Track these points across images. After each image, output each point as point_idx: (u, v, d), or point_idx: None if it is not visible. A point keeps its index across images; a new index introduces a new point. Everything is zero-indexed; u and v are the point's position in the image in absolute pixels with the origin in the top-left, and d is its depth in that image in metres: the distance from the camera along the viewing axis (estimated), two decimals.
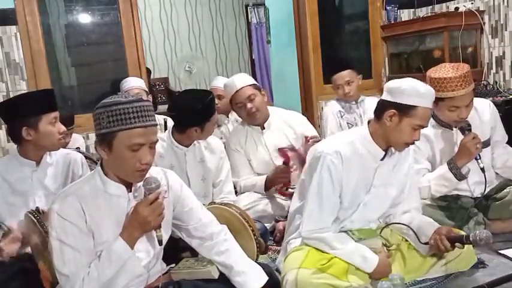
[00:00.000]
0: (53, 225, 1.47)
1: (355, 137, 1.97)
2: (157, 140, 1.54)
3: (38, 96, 2.09)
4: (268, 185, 2.71)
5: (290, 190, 2.64)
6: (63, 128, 2.05)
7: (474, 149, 2.22)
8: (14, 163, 2.06)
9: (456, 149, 2.34)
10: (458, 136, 2.35)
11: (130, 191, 1.57)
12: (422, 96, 1.85)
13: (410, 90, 1.85)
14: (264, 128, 2.83)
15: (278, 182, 2.68)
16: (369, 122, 2.00)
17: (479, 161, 2.27)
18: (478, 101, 2.42)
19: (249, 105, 2.71)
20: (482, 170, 2.27)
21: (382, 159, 1.98)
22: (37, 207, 1.87)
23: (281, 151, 2.68)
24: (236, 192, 2.74)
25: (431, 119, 2.38)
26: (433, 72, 2.28)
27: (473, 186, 2.41)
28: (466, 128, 2.27)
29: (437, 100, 2.20)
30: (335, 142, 1.97)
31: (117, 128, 1.44)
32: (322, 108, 4.18)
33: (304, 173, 2.07)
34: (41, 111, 1.98)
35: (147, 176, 1.54)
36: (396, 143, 1.93)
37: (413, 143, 1.94)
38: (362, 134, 1.98)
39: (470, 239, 1.85)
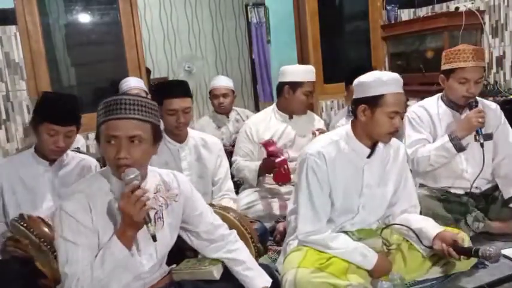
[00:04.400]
0: (58, 222, 1.45)
1: (340, 136, 1.98)
2: (139, 135, 1.45)
3: (51, 104, 2.01)
4: (261, 172, 2.74)
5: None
6: (61, 143, 1.99)
7: (476, 122, 2.28)
8: (30, 159, 2.06)
9: None
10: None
11: None
12: (386, 83, 1.86)
13: (373, 81, 1.88)
14: (291, 118, 2.95)
15: (268, 172, 2.70)
16: (352, 121, 2.00)
17: (480, 136, 2.31)
18: (485, 101, 2.53)
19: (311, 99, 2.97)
20: (482, 145, 2.31)
21: (368, 157, 1.98)
22: (21, 213, 1.86)
23: (263, 144, 2.68)
24: (238, 187, 2.76)
25: (440, 101, 2.49)
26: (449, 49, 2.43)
27: (471, 176, 2.40)
28: (473, 104, 2.35)
29: (449, 73, 2.38)
30: (318, 143, 1.99)
31: (100, 120, 1.47)
32: (322, 108, 4.19)
33: (296, 175, 2.07)
34: (44, 118, 1.96)
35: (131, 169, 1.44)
36: (379, 135, 1.92)
37: (396, 131, 1.91)
38: (346, 132, 1.98)
39: (480, 254, 1.80)
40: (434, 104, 2.51)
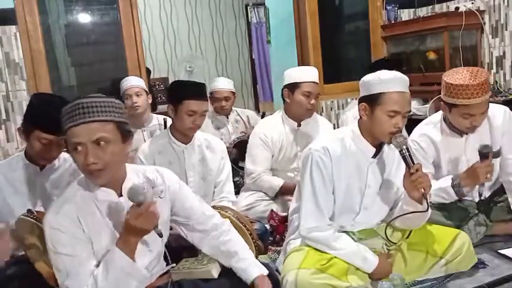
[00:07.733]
0: (48, 238, 1.43)
1: (346, 134, 1.98)
2: (103, 137, 1.41)
3: (41, 109, 1.93)
4: (283, 192, 2.72)
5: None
6: (54, 153, 1.96)
7: (483, 177, 2.13)
8: (20, 164, 2.03)
9: (463, 158, 2.30)
10: (467, 144, 2.30)
11: (122, 195, 1.52)
12: (385, 82, 1.85)
13: (373, 79, 1.88)
14: (300, 126, 2.87)
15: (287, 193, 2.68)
16: (358, 120, 2.00)
17: (482, 187, 2.19)
18: (492, 107, 2.28)
19: (313, 101, 2.78)
20: (480, 195, 2.21)
21: (374, 157, 1.97)
22: (29, 209, 1.84)
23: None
24: (238, 187, 2.73)
25: (443, 123, 2.36)
26: (449, 76, 2.20)
27: (476, 193, 2.33)
28: (485, 154, 2.13)
29: (451, 106, 2.19)
30: (324, 139, 1.99)
31: (64, 130, 1.43)
32: (322, 108, 4.18)
33: (299, 173, 2.07)
34: (34, 126, 1.91)
35: (131, 185, 1.45)
36: (380, 134, 1.91)
37: (399, 131, 1.88)
38: (352, 131, 1.98)
39: (403, 146, 1.83)
40: (436, 129, 2.37)
